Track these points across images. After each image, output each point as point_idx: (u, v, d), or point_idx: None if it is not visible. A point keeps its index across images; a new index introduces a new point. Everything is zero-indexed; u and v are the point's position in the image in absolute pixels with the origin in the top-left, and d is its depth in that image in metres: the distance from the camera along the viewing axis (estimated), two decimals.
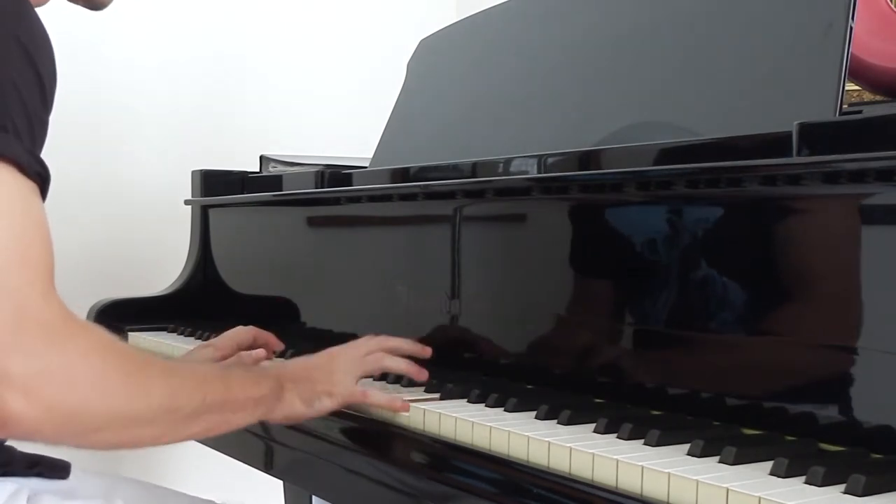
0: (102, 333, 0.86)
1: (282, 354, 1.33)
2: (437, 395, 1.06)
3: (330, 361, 1.07)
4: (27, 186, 0.82)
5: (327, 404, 1.04)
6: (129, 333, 1.67)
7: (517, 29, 1.41)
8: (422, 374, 1.11)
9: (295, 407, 1.02)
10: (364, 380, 1.16)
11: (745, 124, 0.99)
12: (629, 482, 0.77)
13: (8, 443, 1.02)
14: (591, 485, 0.79)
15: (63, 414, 0.79)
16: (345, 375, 1.06)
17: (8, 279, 0.77)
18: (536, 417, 0.94)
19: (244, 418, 0.97)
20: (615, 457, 0.79)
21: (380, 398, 1.05)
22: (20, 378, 0.76)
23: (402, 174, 1.35)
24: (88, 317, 1.70)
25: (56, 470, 1.05)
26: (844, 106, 0.95)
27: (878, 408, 0.79)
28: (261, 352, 1.27)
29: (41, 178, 0.84)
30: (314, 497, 1.90)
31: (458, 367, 1.19)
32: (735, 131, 0.97)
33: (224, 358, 1.27)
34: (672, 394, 0.96)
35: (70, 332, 0.81)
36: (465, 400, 1.04)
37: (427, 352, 1.15)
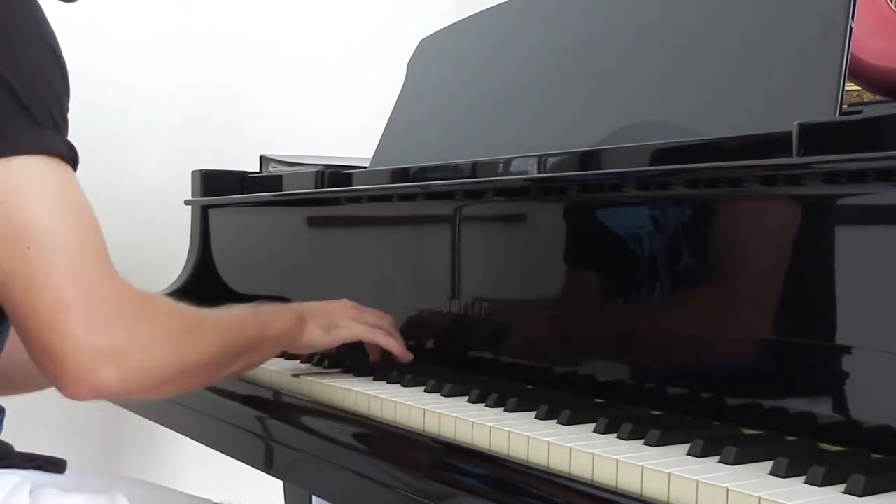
0: (162, 299, 1.00)
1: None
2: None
3: (343, 306, 1.22)
4: (71, 174, 0.91)
5: (343, 333, 1.19)
6: None
7: (517, 29, 1.41)
8: (407, 357, 1.22)
9: (315, 335, 1.17)
10: (364, 378, 1.17)
11: (745, 124, 0.99)
12: (629, 482, 0.77)
13: (3, 438, 1.03)
14: (591, 485, 0.79)
15: (145, 373, 0.91)
16: (353, 318, 1.21)
17: (84, 267, 0.87)
18: (536, 417, 0.94)
19: (274, 350, 1.14)
20: (615, 457, 0.79)
21: (391, 343, 1.21)
22: (108, 350, 0.87)
23: (402, 174, 1.35)
24: None
25: (53, 465, 1.06)
26: (844, 106, 0.95)
27: (878, 408, 0.79)
28: None
29: (74, 162, 0.92)
30: (314, 497, 1.90)
31: (458, 367, 1.19)
32: (735, 131, 0.97)
33: None
34: (672, 394, 0.96)
35: (139, 303, 0.92)
36: (465, 400, 1.04)
37: (405, 361, 1.23)
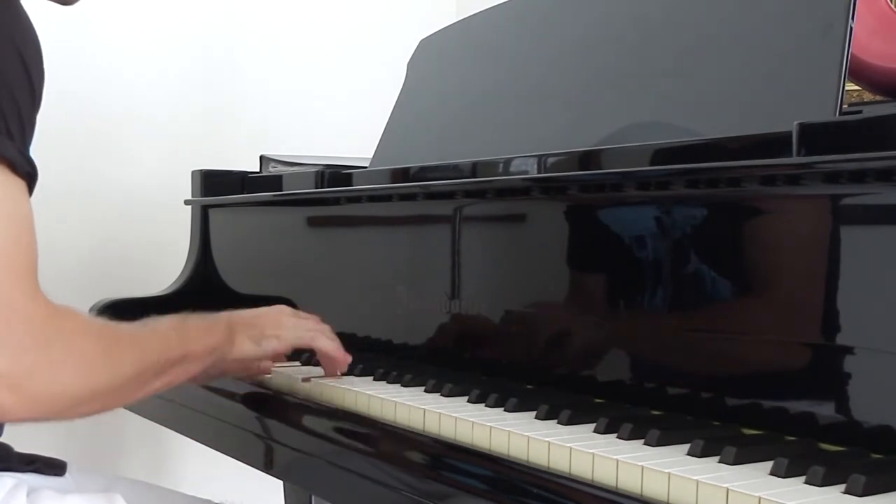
0: (79, 318, 0.92)
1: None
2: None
3: (278, 313, 1.18)
4: (17, 185, 0.87)
5: (274, 344, 1.14)
6: None
7: (517, 29, 1.41)
8: (346, 360, 1.19)
9: (245, 348, 1.11)
10: (364, 378, 1.17)
11: (745, 124, 0.99)
12: (629, 482, 0.77)
13: (3, 440, 1.03)
14: (591, 485, 0.79)
15: (47, 400, 0.86)
16: (290, 327, 1.17)
17: None
18: (536, 417, 0.94)
19: (201, 365, 1.06)
20: (615, 457, 0.79)
21: (327, 344, 1.17)
22: (7, 375, 0.82)
23: (402, 174, 1.35)
24: None
25: (53, 468, 1.06)
26: (844, 106, 0.95)
27: (878, 408, 0.79)
28: None
29: (30, 177, 0.89)
30: (314, 497, 1.90)
31: (458, 367, 1.19)
32: (735, 131, 0.97)
33: None
34: (672, 394, 0.96)
35: (54, 326, 0.86)
36: (465, 400, 1.04)
37: (343, 366, 1.20)
